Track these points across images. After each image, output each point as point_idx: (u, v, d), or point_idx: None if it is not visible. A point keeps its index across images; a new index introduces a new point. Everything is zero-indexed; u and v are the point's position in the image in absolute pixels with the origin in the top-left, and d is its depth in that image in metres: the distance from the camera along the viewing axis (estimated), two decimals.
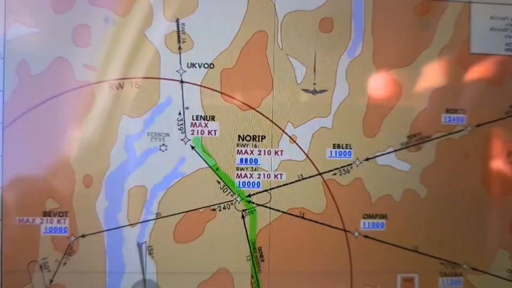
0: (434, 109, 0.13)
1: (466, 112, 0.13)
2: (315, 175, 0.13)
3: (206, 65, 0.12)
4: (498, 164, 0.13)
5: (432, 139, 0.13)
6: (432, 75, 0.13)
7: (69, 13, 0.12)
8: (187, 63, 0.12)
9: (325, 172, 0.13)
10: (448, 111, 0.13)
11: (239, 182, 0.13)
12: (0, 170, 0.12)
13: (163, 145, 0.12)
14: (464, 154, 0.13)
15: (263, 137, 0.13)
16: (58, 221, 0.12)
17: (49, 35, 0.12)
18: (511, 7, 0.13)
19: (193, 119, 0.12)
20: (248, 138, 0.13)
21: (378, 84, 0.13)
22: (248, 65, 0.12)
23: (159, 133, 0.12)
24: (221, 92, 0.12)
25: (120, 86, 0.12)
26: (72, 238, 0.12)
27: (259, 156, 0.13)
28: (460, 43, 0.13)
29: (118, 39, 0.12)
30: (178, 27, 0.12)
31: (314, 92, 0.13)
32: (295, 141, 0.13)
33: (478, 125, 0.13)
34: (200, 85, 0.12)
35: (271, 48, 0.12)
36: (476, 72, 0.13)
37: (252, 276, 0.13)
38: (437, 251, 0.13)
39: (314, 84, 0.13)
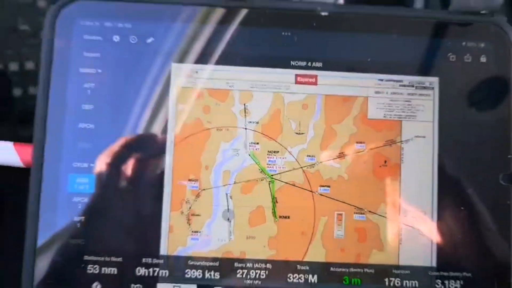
0: (351, 141, 0.31)
1: (365, 143, 0.31)
2: (298, 168, 0.31)
3: (256, 122, 0.31)
4: (379, 164, 0.31)
5: (348, 154, 0.31)
6: (350, 127, 0.31)
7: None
8: (248, 121, 0.31)
9: (303, 167, 0.31)
10: (357, 143, 0.31)
11: (268, 169, 0.31)
12: (173, 163, 0.31)
13: (237, 154, 0.31)
14: (364, 161, 0.31)
15: (277, 151, 0.31)
16: (194, 183, 0.31)
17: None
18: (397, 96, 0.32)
19: (249, 144, 0.31)
20: (271, 152, 0.31)
21: (326, 131, 0.31)
22: (272, 122, 0.31)
23: (236, 149, 0.31)
24: (261, 133, 0.31)
25: (221, 129, 0.31)
26: (200, 190, 0.31)
27: (275, 159, 0.31)
28: (362, 113, 0.31)
29: (220, 113, 0.31)
30: (245, 107, 0.31)
31: (300, 133, 0.31)
32: (290, 153, 0.31)
33: (371, 149, 0.31)
34: (253, 130, 0.31)
35: (282, 116, 0.31)
36: (370, 126, 0.31)
37: (272, 208, 0.31)
38: (352, 202, 0.31)
39: (299, 130, 0.31)
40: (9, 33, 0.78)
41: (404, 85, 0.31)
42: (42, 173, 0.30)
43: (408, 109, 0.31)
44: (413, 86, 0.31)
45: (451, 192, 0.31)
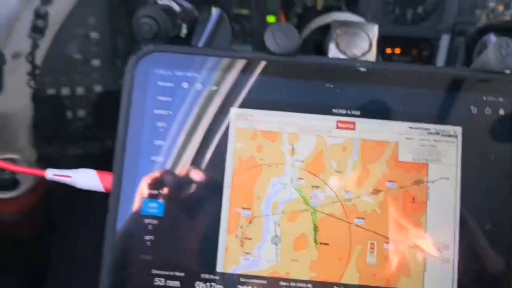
0: (383, 180, 0.36)
1: (396, 182, 0.36)
2: (337, 201, 0.36)
3: (302, 161, 0.36)
4: (408, 201, 0.36)
5: (381, 191, 0.36)
6: (383, 168, 0.36)
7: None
8: (295, 159, 0.36)
9: (341, 201, 0.36)
10: (389, 181, 0.36)
11: (311, 201, 0.36)
12: (230, 193, 0.36)
13: (285, 187, 0.36)
14: (394, 198, 0.36)
15: (319, 186, 0.36)
16: (247, 211, 0.36)
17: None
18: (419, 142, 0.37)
19: (296, 179, 0.36)
20: (314, 186, 0.36)
21: (362, 170, 0.36)
22: (316, 161, 0.36)
23: (284, 183, 0.36)
24: (306, 170, 0.36)
25: (271, 166, 0.36)
26: (252, 217, 0.36)
27: (318, 193, 0.36)
28: (394, 156, 0.36)
29: (271, 151, 0.37)
30: (292, 147, 0.37)
31: (339, 172, 0.36)
32: (331, 189, 0.36)
33: (401, 187, 0.36)
34: (299, 168, 0.36)
35: (324, 156, 0.36)
36: (401, 168, 0.36)
37: (313, 236, 0.36)
38: (384, 233, 0.36)
39: (339, 169, 0.36)
40: (63, 61, 0.86)
41: (431, 133, 0.36)
42: (120, 197, 0.36)
43: (434, 154, 0.36)
44: (438, 133, 0.36)
45: (471, 227, 0.36)
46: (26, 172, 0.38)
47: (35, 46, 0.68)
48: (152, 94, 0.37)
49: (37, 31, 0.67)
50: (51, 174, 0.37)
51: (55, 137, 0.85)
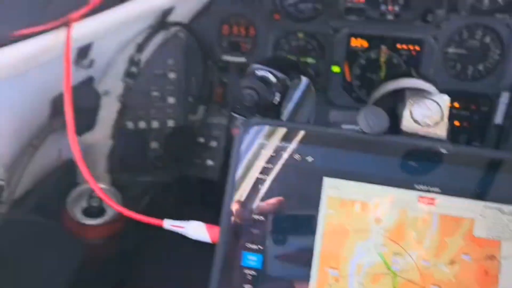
0: (459, 253, 0.41)
1: (470, 255, 0.41)
2: (416, 269, 0.41)
3: (385, 229, 0.42)
4: (481, 274, 0.40)
5: (456, 262, 0.41)
6: (459, 241, 0.41)
7: None
8: (379, 227, 0.42)
9: (420, 268, 0.41)
10: (464, 254, 0.41)
11: (392, 267, 0.41)
12: (320, 253, 0.42)
13: (369, 252, 0.41)
14: (468, 269, 0.40)
15: (400, 253, 0.41)
16: (334, 270, 0.42)
17: None
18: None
19: (379, 245, 0.41)
20: (396, 253, 0.41)
21: (440, 242, 0.41)
22: (398, 230, 0.41)
23: (369, 248, 0.41)
24: (389, 238, 0.41)
25: (358, 232, 0.42)
26: (339, 276, 0.41)
27: (398, 260, 0.41)
28: (469, 231, 0.41)
29: (358, 219, 0.42)
30: (377, 216, 0.42)
31: (418, 242, 0.41)
32: (410, 256, 0.41)
33: (475, 260, 0.41)
34: (383, 235, 0.41)
35: (406, 226, 0.41)
36: (475, 242, 0.41)
37: None
38: None
39: (418, 239, 0.41)
40: (143, 97, 0.95)
41: (504, 212, 0.41)
42: (224, 248, 0.42)
43: (506, 232, 0.41)
44: (511, 214, 0.41)
45: None
46: (145, 220, 0.44)
47: (127, 89, 0.77)
48: (255, 161, 0.43)
49: (130, 76, 0.76)
50: (168, 224, 0.44)
51: (129, 166, 0.94)
